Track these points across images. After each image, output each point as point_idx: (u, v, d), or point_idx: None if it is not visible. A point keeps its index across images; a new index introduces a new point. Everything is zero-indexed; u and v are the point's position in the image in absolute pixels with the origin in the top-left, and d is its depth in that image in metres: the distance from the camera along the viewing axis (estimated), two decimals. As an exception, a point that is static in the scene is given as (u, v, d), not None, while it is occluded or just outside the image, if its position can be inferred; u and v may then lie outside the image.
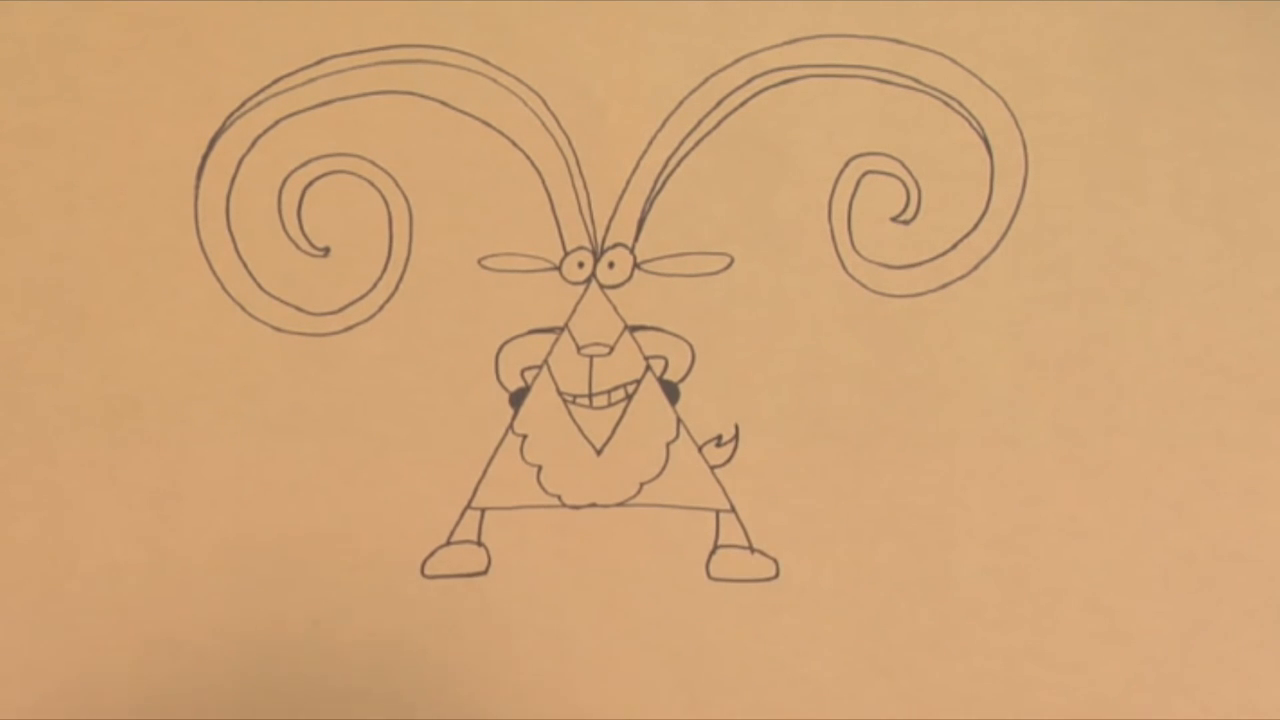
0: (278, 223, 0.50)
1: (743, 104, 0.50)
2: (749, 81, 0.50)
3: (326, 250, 0.50)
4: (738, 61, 0.50)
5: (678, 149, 0.50)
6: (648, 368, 0.52)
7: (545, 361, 0.51)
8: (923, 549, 0.52)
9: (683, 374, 0.52)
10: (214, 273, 0.50)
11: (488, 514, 0.52)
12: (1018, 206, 0.50)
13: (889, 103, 0.50)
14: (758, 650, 0.52)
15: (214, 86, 0.49)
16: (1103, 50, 0.49)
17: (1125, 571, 0.52)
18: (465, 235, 0.50)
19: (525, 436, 0.52)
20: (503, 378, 0.51)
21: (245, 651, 0.52)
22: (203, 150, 0.49)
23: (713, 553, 0.53)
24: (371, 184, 0.50)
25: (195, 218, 0.49)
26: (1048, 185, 0.50)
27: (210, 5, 0.48)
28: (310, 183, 0.50)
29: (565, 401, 0.52)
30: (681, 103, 0.50)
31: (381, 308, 0.51)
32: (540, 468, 0.52)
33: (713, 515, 0.53)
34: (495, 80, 0.49)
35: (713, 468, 0.52)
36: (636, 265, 0.51)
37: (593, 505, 0.52)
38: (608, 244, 0.51)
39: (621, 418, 0.52)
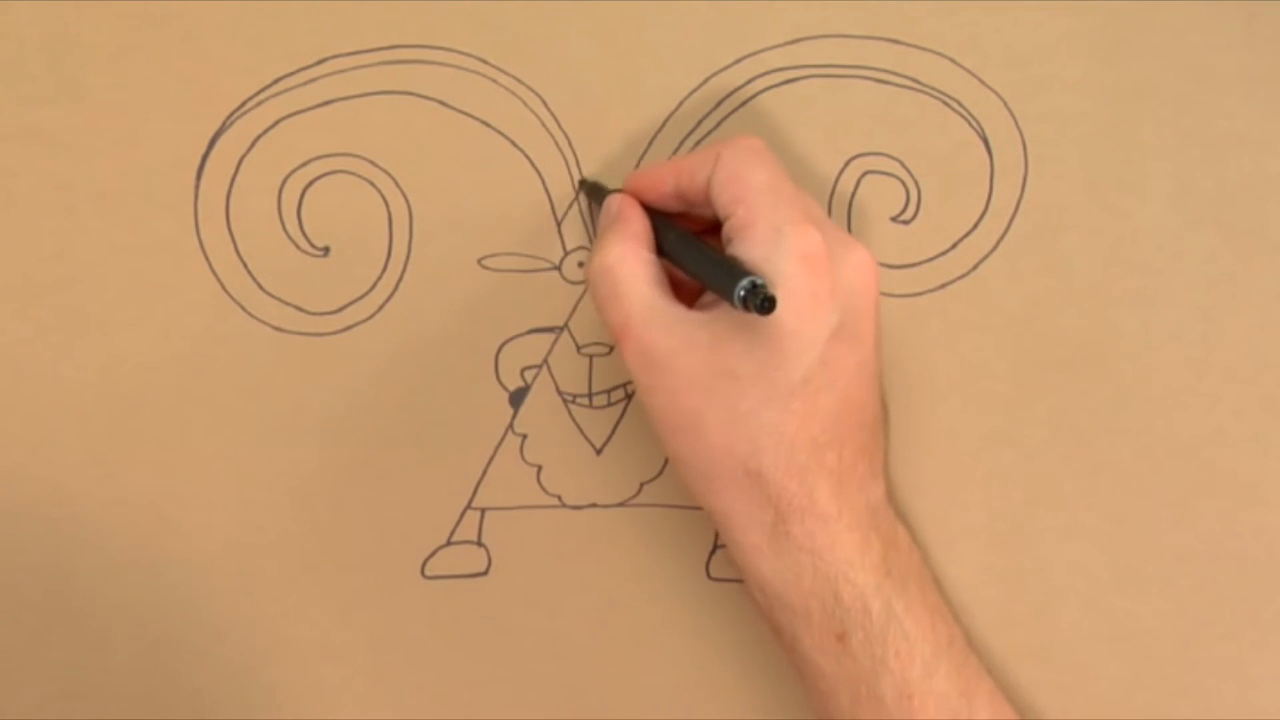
0: (278, 223, 0.50)
1: (743, 104, 0.50)
2: (749, 82, 0.50)
3: (326, 250, 0.50)
4: (738, 62, 0.50)
5: (678, 149, 0.50)
6: (648, 368, 0.52)
7: (545, 361, 0.51)
8: (923, 549, 0.52)
9: (683, 374, 0.52)
10: (214, 273, 0.50)
11: (488, 514, 0.52)
12: (1018, 206, 0.50)
13: (889, 103, 0.50)
14: (757, 650, 0.52)
15: (214, 86, 0.49)
16: (1103, 50, 0.49)
17: (1125, 571, 0.52)
18: (465, 235, 0.50)
19: (525, 436, 0.52)
20: (503, 378, 0.51)
21: (245, 651, 0.52)
22: (203, 150, 0.49)
23: (712, 553, 0.53)
24: (371, 184, 0.50)
25: (195, 218, 0.49)
26: (1048, 185, 0.50)
27: (210, 5, 0.48)
28: (310, 183, 0.50)
29: (565, 401, 0.52)
30: (681, 103, 0.50)
31: (381, 308, 0.51)
32: (540, 468, 0.52)
33: (713, 515, 0.52)
34: (495, 80, 0.49)
35: (713, 468, 0.52)
36: (636, 265, 0.51)
37: (593, 505, 0.52)
38: (608, 244, 0.51)
39: (621, 418, 0.52)
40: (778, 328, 0.42)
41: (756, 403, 0.43)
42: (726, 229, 0.44)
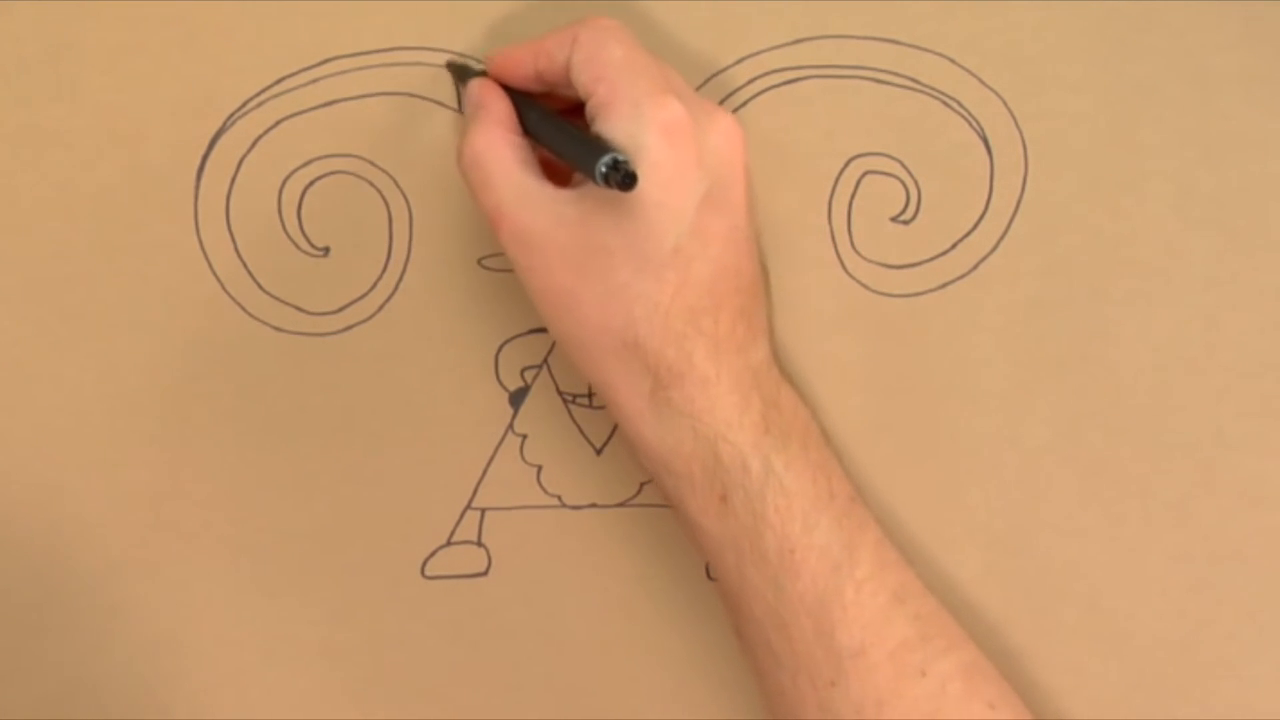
0: (278, 223, 0.50)
1: (744, 104, 0.50)
2: (750, 82, 0.50)
3: (326, 250, 0.50)
4: (739, 62, 0.50)
5: (678, 149, 0.50)
6: (648, 368, 0.52)
7: (545, 361, 0.51)
8: (923, 549, 0.52)
9: (683, 374, 0.52)
10: (214, 273, 0.50)
11: (488, 514, 0.52)
12: (1017, 206, 0.50)
13: (889, 103, 0.50)
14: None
15: (214, 86, 0.49)
16: (1103, 50, 0.49)
17: (1125, 571, 0.52)
18: (465, 235, 0.50)
19: (525, 436, 0.52)
20: (503, 378, 0.51)
21: (245, 651, 0.52)
22: (203, 150, 0.49)
23: (713, 553, 0.53)
24: (371, 184, 0.50)
25: (195, 218, 0.49)
26: (1048, 185, 0.50)
27: (210, 5, 0.48)
28: (310, 183, 0.50)
29: (565, 401, 0.52)
30: (681, 103, 0.50)
31: (381, 308, 0.51)
32: (540, 468, 0.52)
33: (713, 515, 0.52)
34: (495, 80, 0.49)
35: (713, 468, 0.52)
36: (636, 265, 0.51)
37: (593, 505, 0.52)
38: (607, 244, 0.51)
39: (621, 418, 0.52)
40: (644, 200, 0.42)
41: (629, 275, 0.43)
42: (589, 108, 0.44)
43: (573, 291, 0.44)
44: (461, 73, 0.49)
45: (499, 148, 0.45)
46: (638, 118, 0.43)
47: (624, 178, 0.40)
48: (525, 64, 0.46)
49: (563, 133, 0.44)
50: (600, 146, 0.41)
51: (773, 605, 0.44)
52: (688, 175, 0.43)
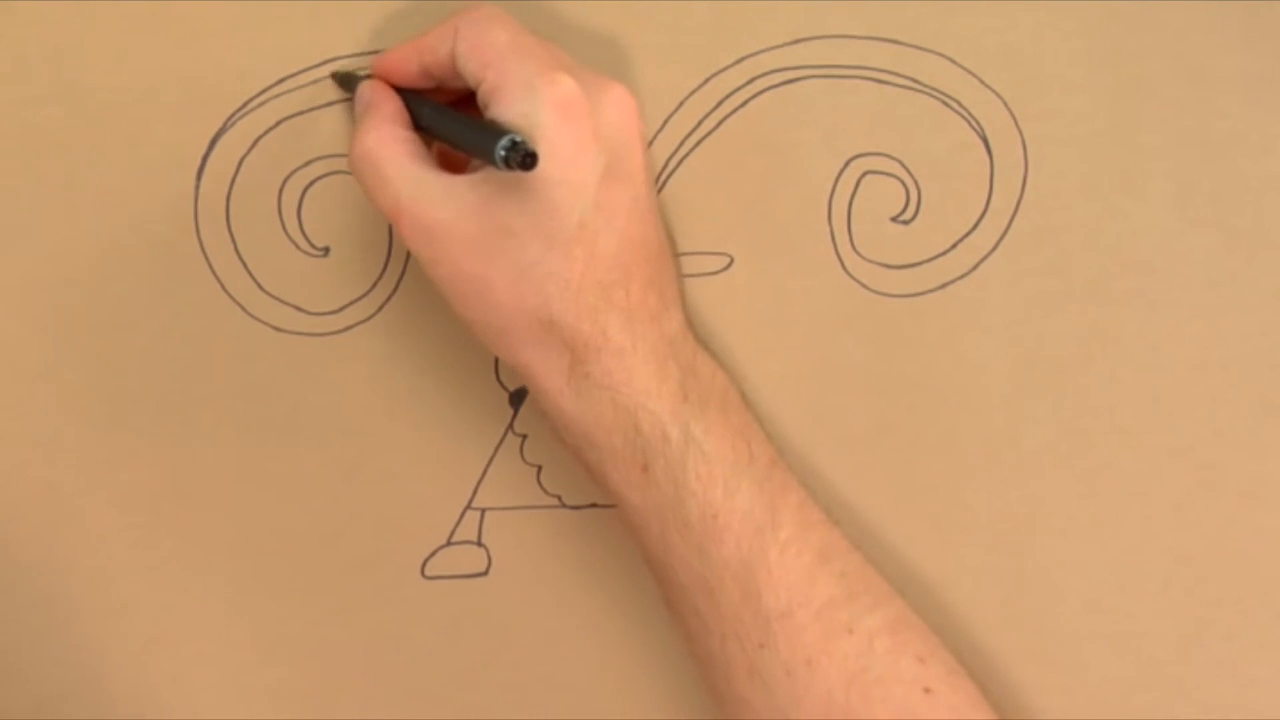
0: (278, 223, 0.50)
1: (743, 104, 0.50)
2: (749, 82, 0.50)
3: (326, 250, 0.50)
4: (738, 62, 0.50)
5: (678, 149, 0.50)
6: (648, 368, 0.52)
7: (545, 361, 0.51)
8: (923, 549, 0.52)
9: (683, 374, 0.52)
10: (214, 273, 0.50)
11: (488, 514, 0.52)
12: (1017, 206, 0.50)
13: (888, 103, 0.50)
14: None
15: (214, 86, 0.49)
16: (1103, 50, 0.49)
17: (1125, 571, 0.52)
18: (465, 235, 0.50)
19: (525, 437, 0.52)
20: (503, 378, 0.51)
21: (245, 651, 0.52)
22: (203, 150, 0.49)
23: (713, 553, 0.53)
24: (371, 184, 0.50)
25: (195, 218, 0.49)
26: (1048, 185, 0.50)
27: (210, 5, 0.48)
28: (310, 183, 0.50)
29: (565, 401, 0.52)
30: (682, 103, 0.50)
31: (381, 308, 0.51)
32: (540, 468, 0.52)
33: (713, 515, 0.52)
34: (495, 80, 0.49)
35: (713, 468, 0.52)
36: (636, 265, 0.51)
37: (593, 505, 0.52)
38: (607, 244, 0.51)
39: (621, 418, 0.52)
40: (546, 179, 0.42)
41: (537, 255, 0.43)
42: (481, 95, 0.44)
43: (482, 277, 0.44)
44: (348, 82, 0.49)
45: (390, 143, 0.45)
46: (531, 98, 0.43)
47: (524, 158, 0.40)
48: (410, 62, 0.46)
49: (457, 122, 0.44)
50: (497, 129, 0.41)
51: (698, 572, 0.44)
52: (586, 150, 0.43)
